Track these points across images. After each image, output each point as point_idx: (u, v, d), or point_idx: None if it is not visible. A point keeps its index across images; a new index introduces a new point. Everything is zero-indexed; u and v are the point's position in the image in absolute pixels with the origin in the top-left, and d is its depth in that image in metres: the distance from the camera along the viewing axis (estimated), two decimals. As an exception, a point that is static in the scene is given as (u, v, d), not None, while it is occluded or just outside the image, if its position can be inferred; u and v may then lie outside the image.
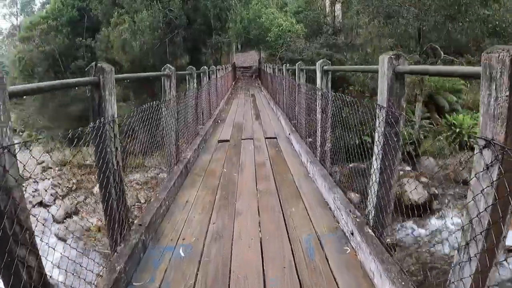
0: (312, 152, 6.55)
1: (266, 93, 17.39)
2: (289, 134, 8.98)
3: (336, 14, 17.79)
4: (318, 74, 5.80)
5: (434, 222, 10.34)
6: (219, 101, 14.61)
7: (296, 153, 7.54)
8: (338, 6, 18.06)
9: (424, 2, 11.71)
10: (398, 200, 10.74)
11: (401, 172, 12.79)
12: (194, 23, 20.78)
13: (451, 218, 10.37)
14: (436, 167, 13.80)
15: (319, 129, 5.89)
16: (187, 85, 8.14)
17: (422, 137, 14.96)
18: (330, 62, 5.89)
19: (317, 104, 6.00)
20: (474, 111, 17.05)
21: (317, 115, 6.01)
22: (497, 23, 11.27)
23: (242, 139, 9.33)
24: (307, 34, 14.81)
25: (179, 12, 19.78)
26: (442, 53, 12.76)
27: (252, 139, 9.30)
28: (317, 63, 5.84)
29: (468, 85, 17.12)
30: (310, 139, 7.13)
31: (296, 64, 8.08)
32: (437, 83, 15.57)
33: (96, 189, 12.48)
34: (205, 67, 11.39)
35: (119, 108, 3.67)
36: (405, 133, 13.81)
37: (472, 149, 15.45)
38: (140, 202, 10.88)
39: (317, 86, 5.92)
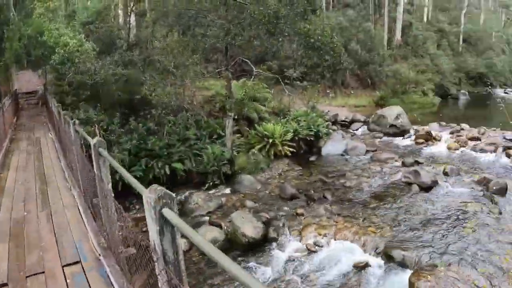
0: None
1: (54, 138, 12.82)
2: (100, 255, 5.05)
3: (131, 26, 15.98)
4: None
5: (278, 255, 9.81)
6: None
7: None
8: (133, 17, 16.28)
9: (238, 15, 11.15)
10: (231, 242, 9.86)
11: (223, 199, 12.12)
12: None
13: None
14: (258, 184, 13.59)
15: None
16: None
17: (236, 154, 14.58)
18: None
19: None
20: (281, 117, 17.68)
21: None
22: (318, 37, 11.59)
23: (28, 277, 4.68)
24: (100, 50, 12.77)
25: None
26: (253, 67, 12.49)
27: (44, 272, 4.77)
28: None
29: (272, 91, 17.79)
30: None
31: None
32: (248, 95, 15.55)
33: None
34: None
35: None
36: (215, 152, 13.33)
37: (287, 156, 16.01)
38: None
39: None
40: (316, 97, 18.25)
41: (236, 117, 14.04)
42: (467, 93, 42.06)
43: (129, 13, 16.15)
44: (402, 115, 22.32)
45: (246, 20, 10.85)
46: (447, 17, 49.95)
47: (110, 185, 4.93)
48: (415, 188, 13.83)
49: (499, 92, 50.08)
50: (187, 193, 12.51)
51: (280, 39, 11.50)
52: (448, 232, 10.85)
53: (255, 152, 15.26)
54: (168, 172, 12.03)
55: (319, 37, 11.60)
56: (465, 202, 12.91)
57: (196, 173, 12.81)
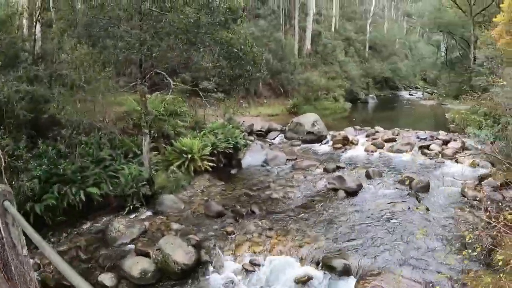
0: None
1: None
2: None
3: (36, 37, 14.44)
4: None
5: (215, 279, 9.15)
6: None
7: None
8: (38, 27, 14.72)
9: (154, 25, 10.34)
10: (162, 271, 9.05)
11: (146, 224, 11.21)
12: None
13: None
14: (181, 204, 12.79)
15: None
16: None
17: (154, 172, 13.62)
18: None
19: None
20: (197, 131, 16.93)
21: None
22: (241, 47, 11.13)
23: None
24: (2, 64, 11.25)
25: None
26: (170, 80, 11.72)
27: None
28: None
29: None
30: None
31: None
32: (167, 110, 14.72)
33: None
34: None
35: None
36: (133, 172, 12.33)
37: (208, 171, 15.32)
38: None
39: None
40: (232, 108, 17.74)
41: (152, 133, 13.11)
42: (375, 96, 44.37)
43: (34, 23, 14.57)
44: (318, 121, 22.61)
45: (164, 29, 10.09)
46: (354, 26, 52.73)
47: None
48: (341, 193, 13.87)
49: (404, 94, 53.82)
50: (106, 220, 11.36)
51: (201, 49, 10.90)
52: (383, 234, 10.96)
53: (174, 169, 14.41)
54: (83, 198, 10.82)
55: (242, 47, 11.23)
56: (393, 202, 13.23)
57: (114, 197, 11.68)
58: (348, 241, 10.51)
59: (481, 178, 15.66)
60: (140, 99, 12.37)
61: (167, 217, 11.73)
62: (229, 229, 10.99)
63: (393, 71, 52.45)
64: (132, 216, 11.67)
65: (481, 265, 8.79)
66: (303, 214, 12.18)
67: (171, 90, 11.44)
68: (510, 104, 11.88)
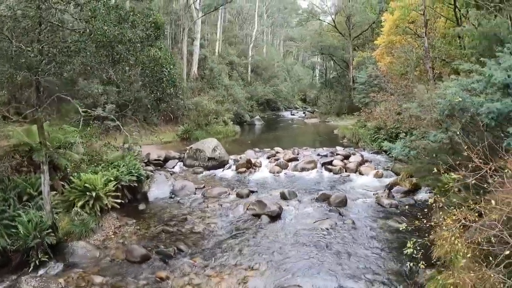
0: None
1: None
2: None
3: None
4: None
5: None
6: None
7: None
8: None
9: (60, 38, 8.81)
10: None
11: (61, 281, 9.46)
12: None
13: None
14: (96, 251, 11.14)
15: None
16: None
17: (57, 217, 11.75)
18: None
19: None
20: (95, 164, 15.13)
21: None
22: (170, 67, 10.10)
23: None
24: None
25: None
26: (78, 106, 10.22)
27: None
28: None
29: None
30: None
31: None
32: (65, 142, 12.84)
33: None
34: None
35: None
36: (32, 219, 10.44)
37: (115, 209, 13.67)
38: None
39: None
40: (131, 136, 16.25)
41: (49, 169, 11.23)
42: (260, 118, 45.48)
43: None
44: (219, 146, 22.18)
45: (80, 44, 8.60)
46: (236, 50, 53.88)
47: None
48: (265, 218, 13.52)
49: (286, 114, 56.28)
50: (9, 283, 9.21)
51: (127, 68, 9.63)
52: (322, 253, 10.97)
53: (78, 210, 12.60)
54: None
55: (170, 67, 10.25)
56: (319, 220, 13.36)
57: (14, 252, 9.69)
58: (292, 267, 10.21)
59: (390, 187, 16.76)
60: (38, 129, 10.58)
61: (84, 270, 10.01)
62: (162, 274, 9.81)
63: (275, 92, 54.57)
64: (41, 272, 9.75)
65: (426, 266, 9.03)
66: (234, 245, 11.59)
67: (81, 118, 9.85)
68: (422, 117, 12.71)
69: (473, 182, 7.18)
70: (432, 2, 22.65)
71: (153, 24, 9.81)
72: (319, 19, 55.14)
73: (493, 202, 6.97)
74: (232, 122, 36.63)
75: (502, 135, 9.33)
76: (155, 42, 10.59)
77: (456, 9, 20.22)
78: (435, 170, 7.89)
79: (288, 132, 39.59)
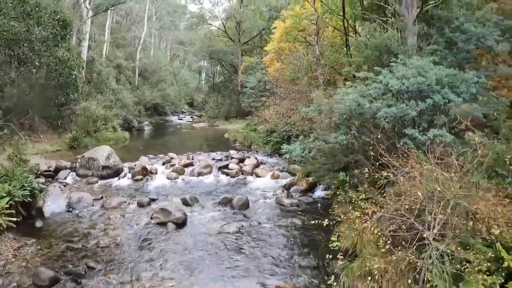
0: None
1: None
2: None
3: None
4: None
5: None
6: None
7: None
8: None
9: None
10: None
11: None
12: None
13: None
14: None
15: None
16: None
17: None
18: None
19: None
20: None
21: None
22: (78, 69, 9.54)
23: None
24: None
25: None
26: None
27: None
28: None
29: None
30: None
31: None
32: None
33: None
34: None
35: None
36: None
37: (10, 229, 12.53)
38: None
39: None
40: (22, 145, 15.15)
41: None
42: (149, 123, 44.81)
43: None
44: (113, 154, 21.41)
45: None
46: (124, 52, 52.25)
47: None
48: (171, 226, 13.41)
49: (174, 119, 56.06)
50: None
51: (34, 70, 8.99)
52: (237, 256, 11.24)
53: None
54: None
55: (74, 69, 9.73)
56: (225, 224, 13.62)
57: None
58: (210, 272, 10.35)
59: (288, 187, 17.77)
60: None
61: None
62: (76, 297, 9.36)
63: (163, 97, 54.04)
64: None
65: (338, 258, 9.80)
66: (145, 257, 11.29)
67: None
68: (317, 120, 13.84)
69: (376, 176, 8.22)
70: (322, 12, 24.42)
71: (61, 22, 9.34)
72: (210, 24, 56.00)
73: (392, 192, 8.13)
74: (121, 128, 35.60)
75: (397, 136, 10.59)
76: (62, 42, 10.07)
77: (345, 20, 22.04)
78: (340, 168, 8.53)
79: (179, 137, 39.50)
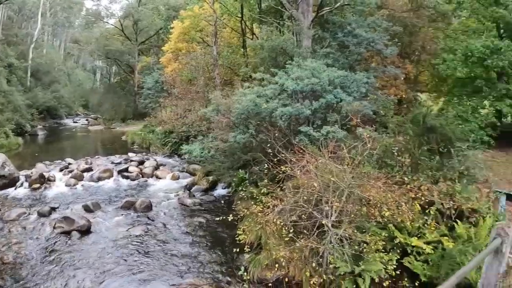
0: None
1: None
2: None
3: None
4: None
5: None
6: None
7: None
8: None
9: None
10: None
11: None
12: None
13: None
14: None
15: None
16: None
17: None
18: None
19: None
20: None
21: None
22: None
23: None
24: None
25: None
26: None
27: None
28: None
29: None
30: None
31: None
32: None
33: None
34: None
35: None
36: None
37: None
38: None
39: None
40: None
41: None
42: (43, 127, 42.30)
43: None
44: (7, 162, 19.95)
45: None
46: (15, 51, 48.38)
47: None
48: (76, 234, 12.91)
49: (69, 122, 53.29)
50: None
51: None
52: (147, 259, 11.23)
53: None
54: None
55: None
56: (130, 228, 13.53)
57: None
58: (123, 278, 10.27)
59: (189, 187, 18.03)
60: None
61: None
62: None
63: (57, 99, 51.11)
64: None
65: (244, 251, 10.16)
66: (55, 269, 10.79)
67: None
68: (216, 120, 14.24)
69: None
70: (220, 14, 24.81)
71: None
72: (106, 22, 53.89)
73: (290, 186, 8.78)
74: (13, 134, 33.12)
75: (293, 133, 11.30)
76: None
77: (243, 22, 22.61)
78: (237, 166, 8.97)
79: (75, 141, 37.76)
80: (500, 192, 11.18)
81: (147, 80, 36.10)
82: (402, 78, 19.54)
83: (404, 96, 19.88)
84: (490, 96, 20.88)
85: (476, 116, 20.43)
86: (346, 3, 16.92)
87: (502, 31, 21.82)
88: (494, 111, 21.33)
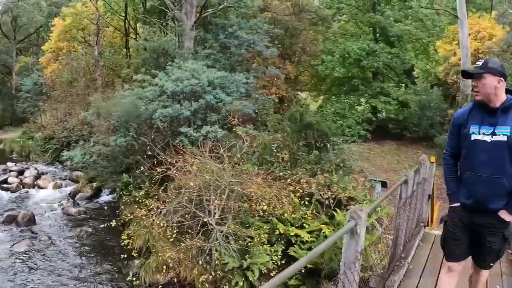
0: None
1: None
2: None
3: None
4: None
5: None
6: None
7: None
8: None
9: None
10: None
11: None
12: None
13: None
14: None
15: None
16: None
17: None
18: None
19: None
20: None
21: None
22: None
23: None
24: None
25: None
26: None
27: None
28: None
29: None
30: None
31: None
32: None
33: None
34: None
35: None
36: None
37: None
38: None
39: None
40: None
41: None
42: None
43: None
44: None
45: None
46: None
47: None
48: None
49: None
50: None
51: None
52: (34, 276, 10.50)
53: None
54: None
55: None
56: (13, 244, 12.46)
57: None
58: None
59: (73, 195, 17.19)
60: None
61: None
62: None
63: None
64: None
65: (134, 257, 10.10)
66: None
67: None
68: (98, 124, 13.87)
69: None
70: (104, 12, 23.85)
71: None
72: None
73: (172, 187, 8.82)
74: None
75: (173, 134, 11.32)
76: None
77: (126, 21, 21.97)
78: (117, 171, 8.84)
79: None
80: (375, 180, 12.19)
81: (26, 82, 33.40)
82: (283, 78, 20.39)
83: (285, 95, 20.79)
84: (366, 94, 22.87)
85: (353, 113, 22.23)
86: (229, 5, 17.22)
87: (378, 35, 23.89)
88: (370, 108, 23.35)
